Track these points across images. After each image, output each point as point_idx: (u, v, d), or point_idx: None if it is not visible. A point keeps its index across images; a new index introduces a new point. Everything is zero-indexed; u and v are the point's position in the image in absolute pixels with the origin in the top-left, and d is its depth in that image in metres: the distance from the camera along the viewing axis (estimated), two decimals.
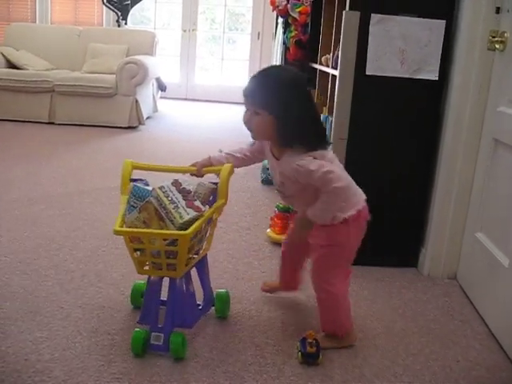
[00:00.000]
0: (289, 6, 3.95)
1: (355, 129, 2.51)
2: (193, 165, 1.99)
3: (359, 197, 1.93)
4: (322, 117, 2.91)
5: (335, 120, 2.52)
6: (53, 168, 4.09)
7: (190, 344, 1.91)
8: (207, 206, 1.87)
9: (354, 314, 2.20)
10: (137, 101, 5.72)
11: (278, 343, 1.96)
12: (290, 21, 4.07)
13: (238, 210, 3.38)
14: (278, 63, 4.55)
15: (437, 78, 2.47)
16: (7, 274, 2.35)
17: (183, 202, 1.75)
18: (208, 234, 1.96)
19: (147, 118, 6.08)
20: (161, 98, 7.11)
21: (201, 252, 1.96)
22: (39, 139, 5.11)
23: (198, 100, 8.46)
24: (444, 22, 2.41)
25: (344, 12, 2.42)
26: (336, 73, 2.55)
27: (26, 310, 2.07)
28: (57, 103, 5.79)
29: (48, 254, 2.59)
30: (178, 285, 1.87)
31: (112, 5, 7.67)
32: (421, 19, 2.40)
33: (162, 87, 6.90)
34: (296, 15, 3.89)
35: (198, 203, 1.79)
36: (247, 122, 1.80)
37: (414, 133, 2.54)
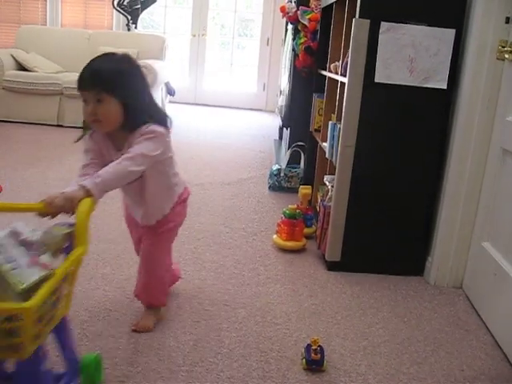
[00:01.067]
0: (299, 12, 3.95)
1: (363, 136, 2.51)
2: (43, 201, 1.53)
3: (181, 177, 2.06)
4: (329, 124, 2.91)
5: (343, 127, 2.53)
6: (61, 171, 4.10)
7: (195, 349, 1.91)
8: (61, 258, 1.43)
9: (360, 322, 2.20)
10: None
11: (283, 349, 1.96)
12: (299, 27, 4.07)
13: (245, 215, 3.39)
14: (287, 69, 4.56)
15: (446, 87, 2.47)
16: None
17: (24, 260, 1.29)
18: (64, 292, 1.44)
19: None
20: (169, 102, 7.13)
21: (55, 317, 1.42)
22: (47, 141, 5.14)
23: (206, 105, 8.48)
24: (454, 31, 2.42)
25: (354, 20, 2.43)
26: (345, 80, 2.56)
27: None
28: (65, 106, 5.83)
29: None
30: (25, 367, 1.35)
31: (122, 8, 7.70)
32: (430, 28, 2.40)
33: (170, 92, 6.91)
34: (306, 22, 3.89)
35: (45, 258, 1.34)
36: (92, 115, 1.68)
37: (421, 141, 2.54)
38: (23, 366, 1.35)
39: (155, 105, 1.86)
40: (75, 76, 1.81)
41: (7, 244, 1.31)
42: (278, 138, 5.69)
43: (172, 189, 1.98)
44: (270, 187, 4.01)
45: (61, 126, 5.80)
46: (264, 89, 8.67)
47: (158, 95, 6.41)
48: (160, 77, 5.96)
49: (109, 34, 7.17)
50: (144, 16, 8.12)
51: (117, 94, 1.68)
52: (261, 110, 8.52)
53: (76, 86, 1.70)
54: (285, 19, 4.55)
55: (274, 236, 2.94)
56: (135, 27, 7.76)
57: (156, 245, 2.02)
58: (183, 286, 2.36)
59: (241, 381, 1.76)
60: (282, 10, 4.28)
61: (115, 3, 7.67)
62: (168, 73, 6.63)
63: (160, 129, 1.78)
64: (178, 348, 1.91)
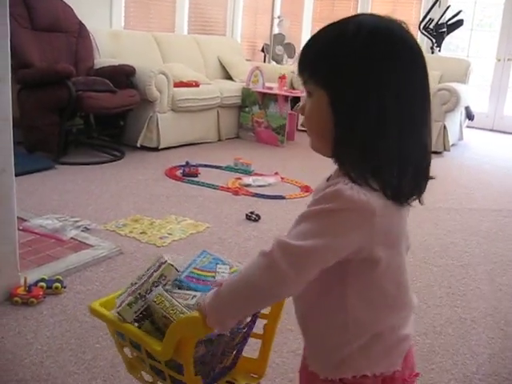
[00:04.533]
0: None
1: None
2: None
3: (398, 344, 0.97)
4: None
5: None
6: None
7: (489, 362, 1.98)
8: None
9: None
10: (445, 127, 5.82)
11: None
12: None
13: None
14: None
15: None
16: None
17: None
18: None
19: (452, 144, 6.11)
20: (467, 126, 7.06)
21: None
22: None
23: (505, 132, 8.10)
24: None
25: None
26: None
27: None
28: None
29: None
30: None
31: (428, 32, 7.88)
32: None
33: (470, 116, 6.84)
34: None
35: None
36: (301, 112, 0.96)
37: None
38: None
39: (411, 148, 0.89)
40: None
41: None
42: None
43: (344, 345, 0.93)
44: None
45: None
46: None
47: (457, 118, 6.43)
48: (462, 101, 5.97)
49: None
50: (447, 39, 8.15)
51: (329, 87, 0.89)
52: None
53: None
54: None
55: None
56: (439, 50, 7.86)
57: None
58: (479, 303, 2.45)
59: None
60: None
61: (421, 26, 7.88)
62: (470, 97, 6.59)
63: (355, 195, 0.84)
64: (472, 357, 2.02)
